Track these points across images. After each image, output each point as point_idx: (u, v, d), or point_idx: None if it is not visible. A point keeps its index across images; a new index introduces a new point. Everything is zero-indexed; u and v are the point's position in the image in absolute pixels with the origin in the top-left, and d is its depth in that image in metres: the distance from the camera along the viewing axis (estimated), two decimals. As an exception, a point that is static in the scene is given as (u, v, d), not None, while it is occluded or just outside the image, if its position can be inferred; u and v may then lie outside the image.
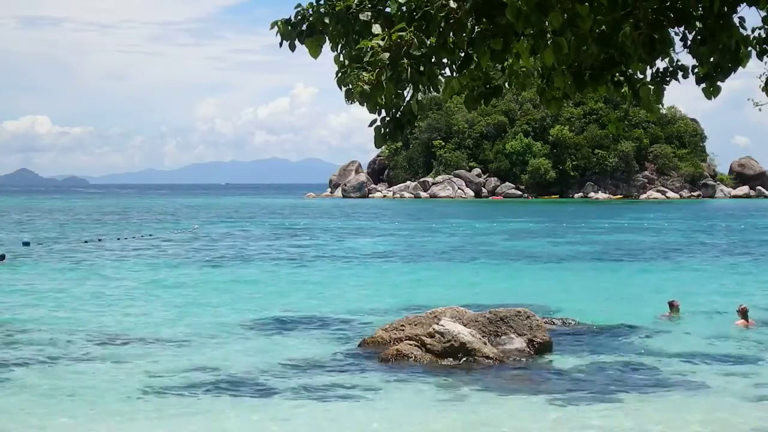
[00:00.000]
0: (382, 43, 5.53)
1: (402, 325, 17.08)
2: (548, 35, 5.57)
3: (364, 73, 5.57)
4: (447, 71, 5.98)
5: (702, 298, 24.51)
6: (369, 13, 5.86)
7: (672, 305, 21.05)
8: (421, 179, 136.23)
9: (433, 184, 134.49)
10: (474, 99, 6.20)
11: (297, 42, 6.02)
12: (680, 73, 6.15)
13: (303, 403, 13.13)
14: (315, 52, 6.00)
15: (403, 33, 5.51)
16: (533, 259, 37.77)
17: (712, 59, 5.83)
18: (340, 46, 5.98)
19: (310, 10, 5.97)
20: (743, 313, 19.86)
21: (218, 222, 69.47)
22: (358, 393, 13.68)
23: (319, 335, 18.80)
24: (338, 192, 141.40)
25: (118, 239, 48.65)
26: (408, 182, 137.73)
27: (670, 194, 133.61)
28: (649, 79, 6.23)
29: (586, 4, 5.39)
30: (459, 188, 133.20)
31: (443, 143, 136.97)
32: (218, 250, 41.59)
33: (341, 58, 5.92)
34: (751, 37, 6.02)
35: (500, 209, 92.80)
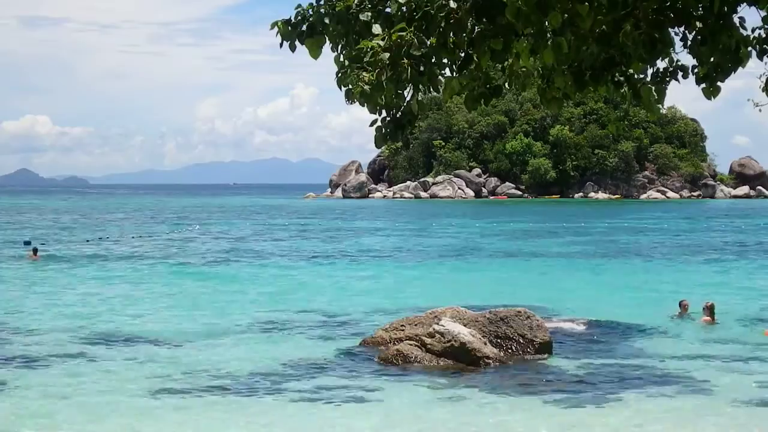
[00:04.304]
0: (382, 43, 5.53)
1: (402, 325, 17.07)
2: (548, 35, 5.58)
3: (364, 74, 5.57)
4: (447, 71, 5.98)
5: (702, 297, 24.47)
6: (369, 13, 5.85)
7: (681, 305, 21.11)
8: (421, 179, 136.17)
9: (433, 184, 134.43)
10: (474, 99, 6.20)
11: (297, 42, 6.02)
12: (680, 73, 6.15)
13: (303, 404, 13.13)
14: (315, 52, 6.00)
15: (403, 33, 5.51)
16: (534, 259, 37.76)
17: (712, 59, 5.84)
18: (340, 46, 5.98)
19: (310, 10, 5.96)
20: (710, 310, 20.20)
21: (218, 222, 69.47)
22: (357, 393, 13.67)
23: (319, 335, 18.79)
24: (338, 192, 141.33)
25: (119, 239, 48.65)
26: (408, 182, 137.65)
27: (670, 194, 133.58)
28: (649, 79, 6.23)
29: (586, 4, 5.39)
30: (459, 188, 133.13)
31: (443, 143, 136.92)
32: (218, 250, 41.57)
33: (341, 59, 5.92)
34: (751, 37, 6.02)
35: (500, 209, 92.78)
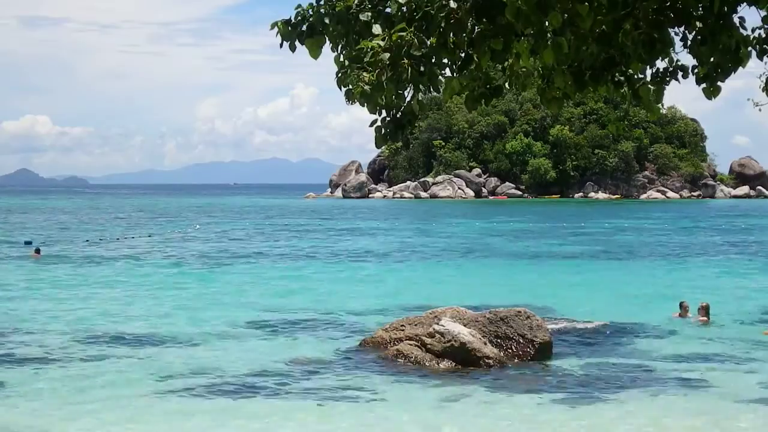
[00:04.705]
0: (382, 43, 5.53)
1: (402, 325, 17.07)
2: (548, 35, 5.58)
3: (364, 74, 5.57)
4: (447, 71, 5.98)
5: (701, 298, 24.47)
6: (369, 14, 5.85)
7: (682, 306, 21.15)
8: (422, 179, 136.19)
9: (434, 184, 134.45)
10: (474, 99, 6.20)
11: (297, 42, 6.02)
12: (680, 73, 6.16)
13: (303, 404, 13.13)
14: (315, 52, 6.00)
15: (404, 33, 5.51)
16: (533, 259, 37.76)
17: (712, 59, 5.84)
18: (340, 46, 5.98)
19: (310, 10, 5.96)
20: (705, 310, 20.53)
21: (218, 222, 69.46)
22: (358, 393, 13.68)
23: (319, 335, 18.80)
24: (338, 192, 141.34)
25: (119, 239, 48.65)
26: (408, 182, 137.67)
27: (670, 194, 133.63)
28: (649, 79, 6.23)
29: (586, 4, 5.40)
30: (459, 188, 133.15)
31: (443, 143, 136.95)
32: (219, 250, 41.58)
33: (341, 59, 5.92)
34: (751, 37, 6.02)
35: (500, 209, 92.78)
